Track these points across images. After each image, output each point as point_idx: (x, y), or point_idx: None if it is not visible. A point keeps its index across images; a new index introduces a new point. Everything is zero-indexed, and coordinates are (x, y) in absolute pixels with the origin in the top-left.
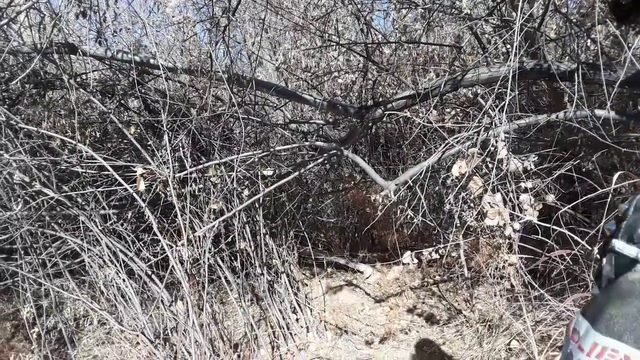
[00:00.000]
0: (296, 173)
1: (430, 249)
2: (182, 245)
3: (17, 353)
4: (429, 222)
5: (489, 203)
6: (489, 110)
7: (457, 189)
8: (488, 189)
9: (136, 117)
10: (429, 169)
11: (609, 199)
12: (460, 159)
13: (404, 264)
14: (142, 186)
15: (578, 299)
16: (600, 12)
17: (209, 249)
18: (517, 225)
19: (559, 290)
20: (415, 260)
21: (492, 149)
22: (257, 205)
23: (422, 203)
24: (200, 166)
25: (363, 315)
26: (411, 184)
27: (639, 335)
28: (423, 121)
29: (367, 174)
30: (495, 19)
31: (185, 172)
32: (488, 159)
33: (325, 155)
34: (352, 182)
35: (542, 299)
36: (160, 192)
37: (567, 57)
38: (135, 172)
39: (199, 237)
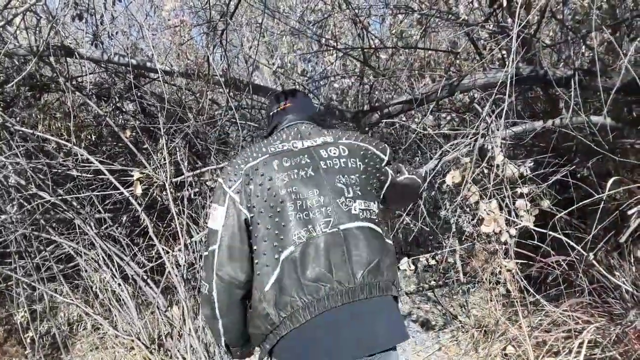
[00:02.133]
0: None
1: (427, 255)
2: (179, 250)
3: (10, 358)
4: (424, 227)
5: (485, 210)
6: (486, 116)
7: (457, 199)
8: (484, 197)
9: (132, 121)
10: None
11: (601, 205)
12: (453, 169)
13: (400, 269)
14: (139, 190)
15: (574, 304)
16: (596, 19)
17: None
18: (513, 231)
19: (555, 296)
20: (412, 267)
21: (489, 154)
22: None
23: (421, 209)
24: (197, 171)
25: None
26: None
27: (218, 198)
28: (419, 127)
29: None
30: (492, 25)
31: (182, 176)
32: (484, 164)
33: None
34: None
35: (537, 304)
36: (156, 196)
37: (562, 64)
38: (131, 175)
39: (194, 241)
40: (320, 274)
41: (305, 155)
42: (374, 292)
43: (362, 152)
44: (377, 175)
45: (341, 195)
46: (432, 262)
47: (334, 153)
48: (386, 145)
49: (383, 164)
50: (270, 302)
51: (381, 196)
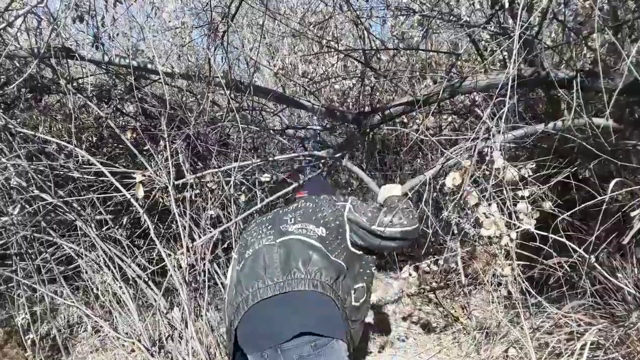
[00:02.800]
0: (295, 184)
1: (429, 261)
2: (182, 254)
3: None
4: (425, 229)
5: (485, 214)
6: (487, 119)
7: (456, 201)
8: (484, 200)
9: (133, 122)
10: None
11: (603, 207)
12: (454, 171)
13: (403, 278)
14: (141, 192)
15: (576, 306)
16: (597, 20)
17: (205, 254)
18: (513, 235)
19: (557, 298)
20: (415, 274)
21: (488, 158)
22: (254, 213)
23: (428, 215)
24: (200, 174)
25: None
26: (407, 191)
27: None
28: (420, 134)
29: (363, 181)
30: (493, 27)
31: (184, 179)
32: (485, 168)
33: (323, 160)
34: (349, 189)
35: (539, 306)
36: (158, 198)
37: (564, 65)
38: (132, 177)
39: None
40: (256, 273)
41: (272, 213)
42: (299, 287)
43: (315, 199)
44: (331, 213)
45: (284, 223)
46: (434, 267)
47: (294, 205)
48: (349, 196)
49: (339, 206)
50: (230, 302)
51: (344, 233)
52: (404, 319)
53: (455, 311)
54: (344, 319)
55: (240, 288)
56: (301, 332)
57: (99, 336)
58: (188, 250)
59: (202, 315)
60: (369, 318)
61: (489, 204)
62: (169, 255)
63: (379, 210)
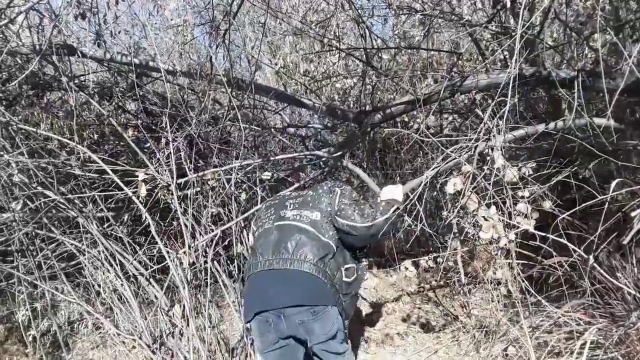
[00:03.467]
0: (297, 184)
1: (427, 258)
2: (184, 253)
3: (11, 356)
4: (425, 228)
5: (484, 217)
6: (488, 119)
7: (457, 204)
8: (483, 202)
9: (134, 120)
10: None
11: (605, 206)
12: (454, 176)
13: (406, 268)
14: (143, 191)
15: (576, 305)
16: (600, 20)
17: (206, 252)
18: (512, 236)
19: (556, 297)
20: (414, 270)
21: (489, 158)
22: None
23: (420, 214)
24: (202, 173)
25: (359, 321)
26: (409, 192)
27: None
28: (420, 133)
29: (364, 180)
30: (495, 26)
31: (186, 178)
32: (486, 169)
33: (323, 159)
34: None
35: (539, 305)
36: (160, 196)
37: (565, 65)
38: (133, 175)
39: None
40: (255, 251)
41: (279, 198)
42: (285, 266)
43: (317, 187)
44: (327, 199)
45: (284, 208)
46: (432, 264)
47: (298, 192)
48: (344, 185)
49: (327, 194)
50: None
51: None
52: (404, 317)
53: (455, 310)
54: (335, 291)
55: (247, 263)
56: (297, 304)
57: (100, 333)
58: (190, 248)
59: (203, 313)
60: (365, 315)
61: (487, 204)
62: (169, 253)
63: (349, 203)
